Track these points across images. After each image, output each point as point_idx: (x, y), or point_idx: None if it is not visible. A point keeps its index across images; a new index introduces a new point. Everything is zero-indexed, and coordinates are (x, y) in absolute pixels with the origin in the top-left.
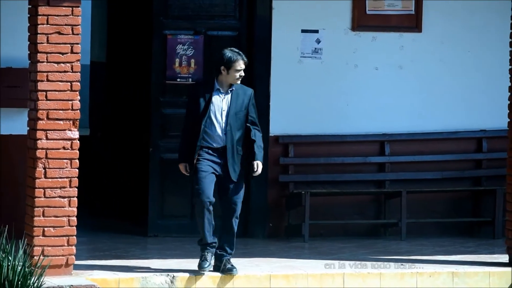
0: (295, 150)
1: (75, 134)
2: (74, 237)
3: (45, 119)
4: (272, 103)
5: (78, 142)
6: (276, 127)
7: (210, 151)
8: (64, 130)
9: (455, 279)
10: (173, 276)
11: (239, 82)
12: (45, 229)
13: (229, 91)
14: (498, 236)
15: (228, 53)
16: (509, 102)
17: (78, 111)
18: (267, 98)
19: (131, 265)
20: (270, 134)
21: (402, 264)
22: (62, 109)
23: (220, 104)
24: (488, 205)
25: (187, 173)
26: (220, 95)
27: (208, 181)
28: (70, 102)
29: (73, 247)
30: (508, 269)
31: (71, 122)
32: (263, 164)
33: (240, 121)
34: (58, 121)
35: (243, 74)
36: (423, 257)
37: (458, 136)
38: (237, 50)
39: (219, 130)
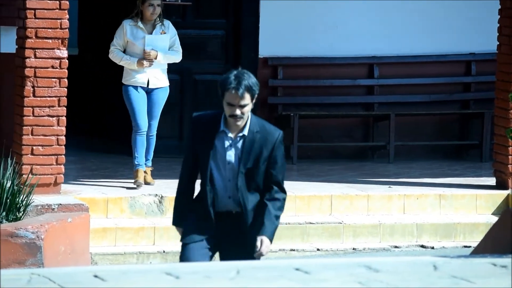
0: (284, 72)
1: (63, 53)
2: (63, 156)
3: (34, 37)
4: (262, 24)
5: (67, 61)
6: (265, 49)
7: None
8: (53, 49)
9: (442, 202)
10: (161, 197)
11: (238, 123)
12: (34, 147)
13: (238, 138)
14: (486, 159)
15: (228, 74)
16: (498, 25)
17: (67, 30)
18: (256, 19)
19: (120, 185)
20: (259, 56)
21: (389, 187)
22: (51, 28)
23: (224, 154)
24: (476, 128)
25: None
26: (227, 141)
27: (195, 253)
28: (59, 20)
29: (62, 166)
30: (495, 191)
31: (59, 41)
32: None
33: (255, 180)
34: (46, 40)
35: (239, 113)
36: (410, 179)
37: (447, 59)
38: (242, 75)
39: (222, 192)
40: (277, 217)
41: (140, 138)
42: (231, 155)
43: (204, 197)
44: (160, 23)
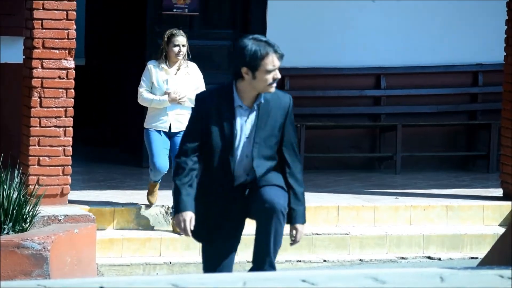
0: (291, 82)
1: (70, 63)
2: (70, 167)
3: (41, 48)
4: (269, 34)
5: (74, 71)
6: None
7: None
8: (60, 59)
9: (449, 213)
10: (168, 207)
11: (273, 89)
12: (40, 158)
13: (255, 106)
14: (493, 170)
15: (251, 45)
16: (506, 35)
17: (74, 40)
18: (263, 30)
19: (126, 196)
20: None
21: (396, 198)
22: (58, 38)
23: (241, 128)
24: (483, 139)
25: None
26: (244, 114)
27: (221, 259)
28: (66, 31)
29: (68, 177)
30: (502, 203)
31: (66, 51)
32: None
33: (270, 149)
34: (53, 50)
35: (278, 75)
36: (417, 190)
37: (454, 70)
38: (264, 39)
39: (240, 167)
40: (303, 194)
41: (157, 175)
42: (249, 128)
43: (223, 176)
44: (186, 65)
